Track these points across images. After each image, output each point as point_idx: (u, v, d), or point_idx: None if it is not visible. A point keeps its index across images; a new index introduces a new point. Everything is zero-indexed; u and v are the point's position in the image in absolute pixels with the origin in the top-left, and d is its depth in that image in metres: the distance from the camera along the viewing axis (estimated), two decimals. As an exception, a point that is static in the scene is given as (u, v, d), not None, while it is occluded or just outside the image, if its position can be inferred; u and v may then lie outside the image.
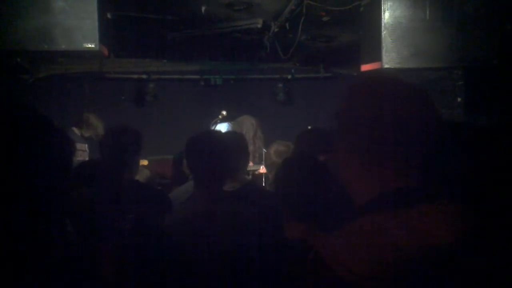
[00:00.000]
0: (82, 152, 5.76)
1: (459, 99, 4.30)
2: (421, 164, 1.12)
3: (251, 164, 4.38)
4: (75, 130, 5.87)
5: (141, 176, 3.84)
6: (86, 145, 5.89)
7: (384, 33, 3.63)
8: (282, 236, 1.97)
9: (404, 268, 0.97)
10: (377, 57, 3.68)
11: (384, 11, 3.64)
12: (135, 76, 7.11)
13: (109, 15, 3.97)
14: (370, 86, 1.20)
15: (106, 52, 3.72)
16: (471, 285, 0.97)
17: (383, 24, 3.64)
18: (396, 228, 1.02)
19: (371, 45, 3.84)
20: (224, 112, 5.67)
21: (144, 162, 5.64)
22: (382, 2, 3.64)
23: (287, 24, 4.72)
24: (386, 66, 3.62)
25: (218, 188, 2.32)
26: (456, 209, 1.07)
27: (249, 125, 4.41)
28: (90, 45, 3.46)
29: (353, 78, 6.41)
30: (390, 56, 3.63)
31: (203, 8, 4.45)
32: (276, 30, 4.96)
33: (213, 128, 5.46)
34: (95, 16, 3.46)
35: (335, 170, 1.24)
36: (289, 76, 7.34)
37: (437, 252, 0.97)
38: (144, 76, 7.11)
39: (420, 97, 1.14)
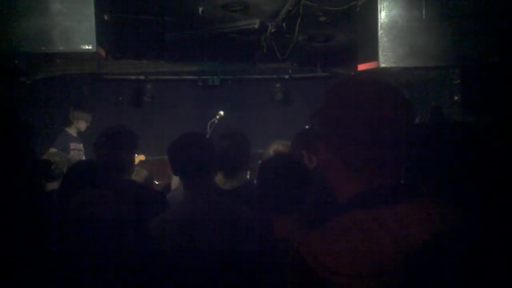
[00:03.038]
0: (78, 152, 5.77)
1: (455, 98, 4.32)
2: (400, 163, 1.15)
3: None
4: (68, 130, 5.87)
5: (140, 176, 3.84)
6: (81, 145, 5.90)
7: (380, 32, 3.64)
8: (270, 234, 2.00)
9: (384, 265, 0.99)
10: (374, 57, 3.68)
11: (380, 11, 3.64)
12: (133, 77, 7.12)
13: (106, 17, 3.97)
14: (348, 87, 1.22)
15: (103, 53, 3.73)
16: (450, 281, 0.98)
17: (379, 24, 3.64)
18: (376, 225, 1.03)
19: (367, 44, 3.84)
20: (221, 113, 5.69)
21: (141, 157, 5.67)
22: (379, 1, 3.64)
23: (284, 25, 4.73)
24: (382, 65, 3.63)
25: (207, 187, 2.33)
26: (435, 206, 1.09)
27: None
28: (87, 47, 3.46)
29: (350, 77, 6.42)
30: (387, 55, 3.64)
31: (200, 9, 4.46)
32: (273, 30, 4.96)
33: (210, 128, 5.49)
34: (92, 18, 3.46)
35: (319, 169, 1.26)
36: (287, 76, 7.35)
37: (417, 249, 0.99)
38: (142, 77, 7.12)
39: (396, 97, 1.16)
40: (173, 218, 2.29)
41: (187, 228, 2.19)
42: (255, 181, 3.44)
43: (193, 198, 2.30)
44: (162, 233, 2.22)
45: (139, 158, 5.62)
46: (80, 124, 5.93)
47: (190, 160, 2.29)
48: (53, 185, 3.09)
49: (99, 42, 3.52)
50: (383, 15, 3.65)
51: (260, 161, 3.20)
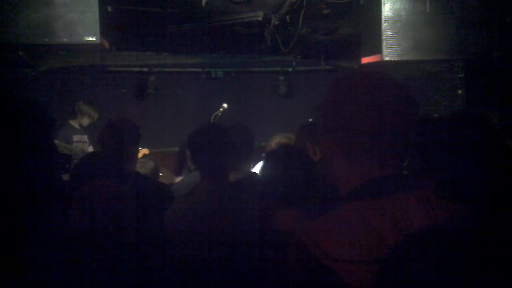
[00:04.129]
0: (83, 144, 5.77)
1: (459, 92, 4.32)
2: (402, 155, 1.17)
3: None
4: (72, 123, 5.86)
5: (146, 168, 3.85)
6: (86, 136, 5.90)
7: (384, 25, 3.64)
8: (274, 224, 2.03)
9: (385, 252, 1.01)
10: (377, 50, 3.69)
11: (384, 4, 3.64)
12: (136, 69, 7.11)
13: (110, 9, 3.98)
14: (350, 80, 1.23)
15: (107, 45, 3.74)
16: (446, 269, 1.00)
17: (383, 17, 3.64)
18: (377, 215, 1.06)
19: (371, 37, 3.84)
20: (225, 105, 5.69)
21: (145, 151, 5.67)
22: (382, -6, 3.65)
23: (287, 17, 4.72)
24: (386, 58, 3.63)
25: (224, 180, 2.34)
26: (435, 197, 1.11)
27: None
28: (91, 38, 3.47)
29: (353, 70, 6.41)
30: (390, 48, 3.64)
31: (203, 1, 4.45)
32: (276, 23, 4.95)
33: (214, 121, 5.49)
34: (96, 9, 3.47)
35: (321, 160, 1.28)
36: (290, 69, 7.35)
37: (416, 238, 1.01)
38: (145, 69, 7.11)
39: (398, 90, 1.17)
40: (189, 207, 2.30)
41: (205, 218, 2.19)
42: (258, 173, 3.46)
43: (210, 188, 2.30)
44: (178, 222, 2.23)
45: (143, 151, 5.62)
46: (84, 120, 5.89)
47: (212, 151, 2.30)
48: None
49: (103, 33, 3.53)
50: (387, 8, 3.64)
51: (264, 154, 3.22)
